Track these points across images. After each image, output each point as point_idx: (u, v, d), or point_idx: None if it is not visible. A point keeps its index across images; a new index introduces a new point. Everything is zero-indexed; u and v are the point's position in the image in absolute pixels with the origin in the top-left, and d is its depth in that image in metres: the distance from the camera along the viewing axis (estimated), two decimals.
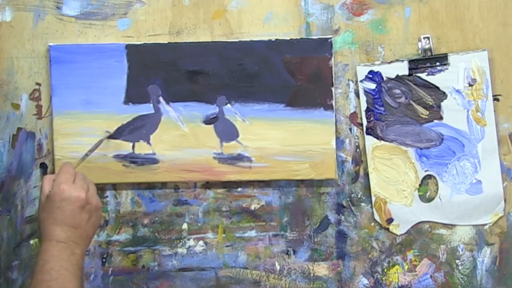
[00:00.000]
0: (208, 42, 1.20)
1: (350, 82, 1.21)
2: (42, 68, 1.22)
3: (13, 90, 1.22)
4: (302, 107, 1.19)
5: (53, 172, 1.20)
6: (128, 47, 1.20)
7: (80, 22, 1.21)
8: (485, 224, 1.21)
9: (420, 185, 1.21)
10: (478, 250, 1.22)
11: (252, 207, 1.23)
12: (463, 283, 1.22)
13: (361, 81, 1.20)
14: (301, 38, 1.19)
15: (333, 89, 1.19)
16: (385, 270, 1.23)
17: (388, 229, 1.22)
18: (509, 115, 1.20)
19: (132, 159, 1.21)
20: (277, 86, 1.19)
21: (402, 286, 1.23)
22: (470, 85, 1.19)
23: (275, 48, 1.19)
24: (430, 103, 1.20)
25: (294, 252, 1.23)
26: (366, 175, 1.21)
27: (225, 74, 1.20)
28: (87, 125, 1.20)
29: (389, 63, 1.20)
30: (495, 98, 1.20)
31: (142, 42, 1.20)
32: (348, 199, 1.22)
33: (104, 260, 1.24)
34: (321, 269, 1.23)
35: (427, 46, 1.19)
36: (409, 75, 1.19)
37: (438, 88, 1.19)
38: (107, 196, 1.23)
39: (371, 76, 1.20)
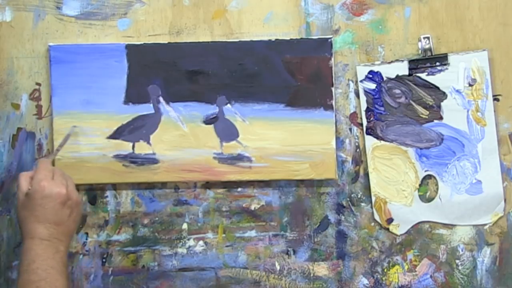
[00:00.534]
0: (208, 42, 1.20)
1: (350, 82, 1.21)
2: (42, 68, 1.22)
3: (13, 90, 1.22)
4: (302, 107, 1.19)
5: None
6: (128, 47, 1.20)
7: (80, 22, 1.21)
8: (485, 224, 1.21)
9: (420, 185, 1.21)
10: (478, 250, 1.22)
11: (252, 207, 1.23)
12: (463, 283, 1.22)
13: (361, 81, 1.20)
14: (301, 38, 1.19)
15: (333, 89, 1.19)
16: (385, 270, 1.23)
17: (388, 229, 1.22)
18: (509, 115, 1.20)
19: (132, 159, 1.21)
20: (277, 86, 1.19)
21: (402, 286, 1.23)
22: (470, 85, 1.19)
23: (275, 48, 1.19)
24: (430, 103, 1.20)
25: (294, 252, 1.23)
26: (366, 175, 1.21)
27: (225, 74, 1.20)
28: (87, 125, 1.20)
29: (389, 63, 1.20)
30: (495, 98, 1.20)
31: (142, 42, 1.20)
32: (348, 199, 1.22)
33: (104, 260, 1.23)
34: (321, 269, 1.23)
35: (427, 46, 1.19)
36: (409, 75, 1.19)
37: (438, 88, 1.19)
38: (107, 196, 1.23)
39: (371, 76, 1.20)
